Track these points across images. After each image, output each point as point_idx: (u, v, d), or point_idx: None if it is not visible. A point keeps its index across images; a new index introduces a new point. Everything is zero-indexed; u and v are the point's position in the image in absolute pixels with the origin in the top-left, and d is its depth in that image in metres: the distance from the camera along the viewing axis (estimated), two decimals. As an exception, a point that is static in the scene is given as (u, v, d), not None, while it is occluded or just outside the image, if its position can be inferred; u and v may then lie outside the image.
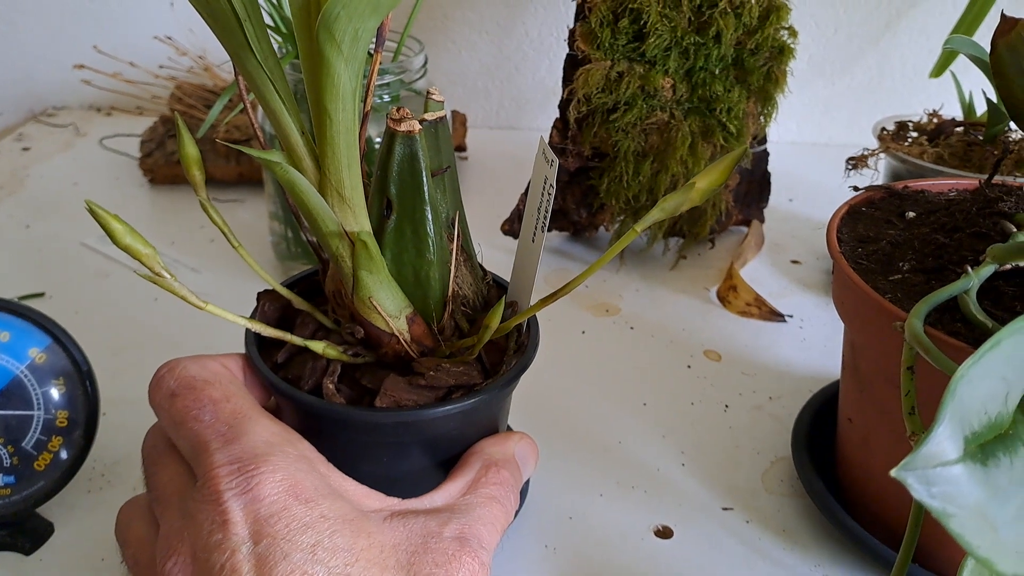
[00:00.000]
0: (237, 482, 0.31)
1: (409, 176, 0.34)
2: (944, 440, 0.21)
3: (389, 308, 0.36)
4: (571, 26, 0.62)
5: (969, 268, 0.35)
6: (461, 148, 0.88)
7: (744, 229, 0.75)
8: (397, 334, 0.36)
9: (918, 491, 0.21)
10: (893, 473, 0.20)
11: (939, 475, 0.21)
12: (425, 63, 0.61)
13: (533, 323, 0.40)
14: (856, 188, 0.46)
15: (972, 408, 0.23)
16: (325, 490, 0.32)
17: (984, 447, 0.24)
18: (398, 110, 0.33)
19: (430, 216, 0.35)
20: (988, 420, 0.24)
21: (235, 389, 0.35)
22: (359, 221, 0.34)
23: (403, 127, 0.33)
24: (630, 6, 0.58)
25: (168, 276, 0.33)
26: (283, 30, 0.56)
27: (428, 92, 0.37)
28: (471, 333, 0.39)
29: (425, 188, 0.34)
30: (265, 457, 0.32)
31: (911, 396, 0.32)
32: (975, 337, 0.34)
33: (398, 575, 0.31)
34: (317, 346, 0.36)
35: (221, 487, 0.31)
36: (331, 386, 0.36)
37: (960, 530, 0.21)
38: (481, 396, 0.36)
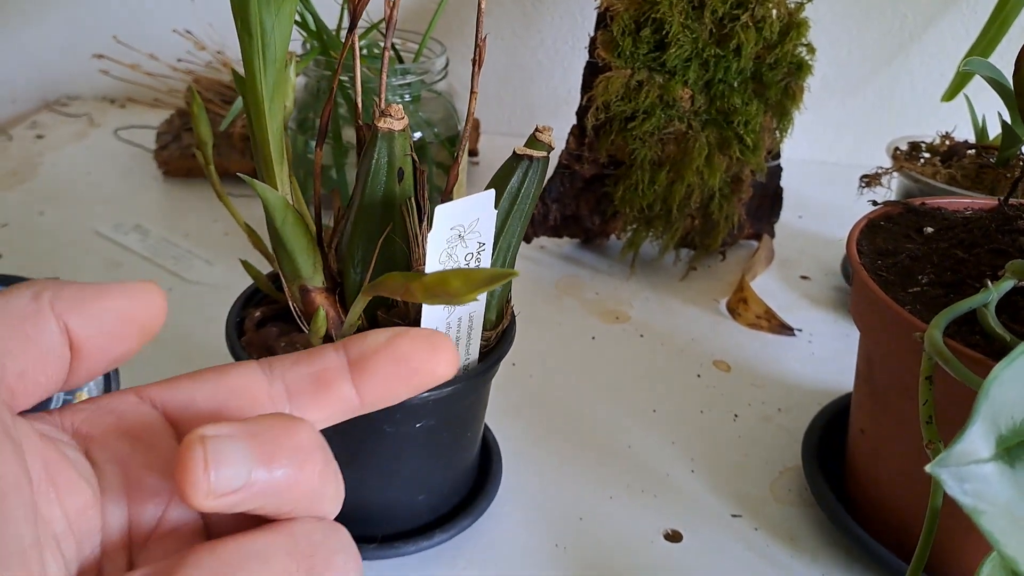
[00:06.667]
0: None
1: (364, 167, 0.35)
2: (977, 439, 0.22)
3: (285, 269, 0.37)
4: (592, 34, 0.63)
5: (989, 282, 0.36)
6: (473, 153, 0.89)
7: (754, 243, 0.75)
8: (288, 296, 0.38)
9: (952, 487, 0.21)
10: (928, 469, 0.21)
11: (972, 472, 0.21)
12: (447, 65, 0.61)
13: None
14: (875, 203, 0.47)
15: (1002, 411, 0.23)
16: None
17: (1010, 451, 0.24)
18: (389, 107, 0.34)
19: (360, 214, 0.35)
20: (1014, 425, 0.25)
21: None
22: (271, 180, 0.37)
23: (382, 123, 0.33)
24: (652, 16, 0.59)
25: (212, 167, 0.42)
26: (310, 27, 0.56)
27: (537, 129, 0.36)
28: None
29: (368, 186, 0.34)
30: None
31: (929, 405, 0.32)
32: (993, 349, 0.34)
33: None
34: (251, 270, 0.42)
35: None
36: (257, 314, 0.40)
37: (990, 527, 0.21)
38: None
